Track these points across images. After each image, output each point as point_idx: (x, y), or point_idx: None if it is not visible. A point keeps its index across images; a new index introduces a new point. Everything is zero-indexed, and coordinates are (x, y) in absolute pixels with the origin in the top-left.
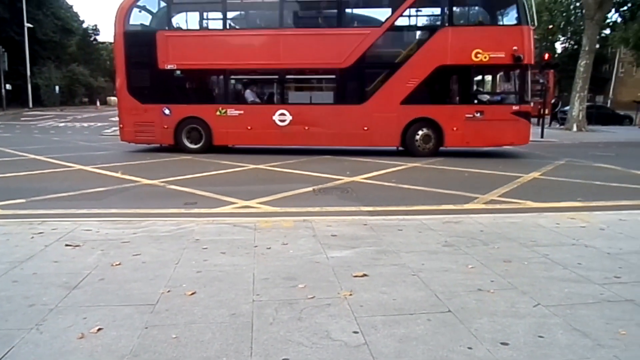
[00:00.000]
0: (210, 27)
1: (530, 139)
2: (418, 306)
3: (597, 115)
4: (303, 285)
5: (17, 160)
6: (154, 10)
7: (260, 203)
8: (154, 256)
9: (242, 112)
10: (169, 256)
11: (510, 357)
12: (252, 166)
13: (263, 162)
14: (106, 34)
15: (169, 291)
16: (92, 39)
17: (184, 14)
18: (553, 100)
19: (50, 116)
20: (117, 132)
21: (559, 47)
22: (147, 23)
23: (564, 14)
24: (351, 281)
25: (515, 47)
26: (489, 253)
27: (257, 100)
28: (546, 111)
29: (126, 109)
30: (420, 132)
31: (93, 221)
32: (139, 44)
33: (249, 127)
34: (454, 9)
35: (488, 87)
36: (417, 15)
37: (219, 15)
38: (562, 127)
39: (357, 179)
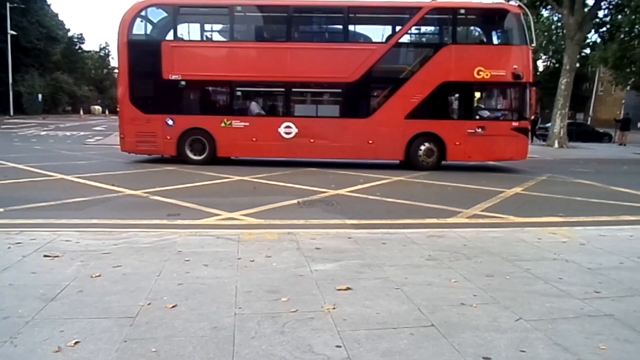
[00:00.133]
0: (216, 38)
1: None
2: (401, 320)
3: (578, 133)
4: (286, 298)
5: None
6: (159, 21)
7: (245, 215)
8: (135, 268)
9: (247, 124)
10: (150, 268)
11: None
12: (237, 178)
13: (248, 173)
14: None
15: (149, 304)
16: (77, 47)
17: (189, 24)
18: (533, 117)
19: (32, 124)
20: (100, 142)
21: (540, 65)
22: (151, 33)
23: (546, 34)
24: (334, 295)
25: (515, 66)
26: (471, 267)
27: (263, 112)
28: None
29: (128, 119)
30: (423, 147)
31: (73, 232)
32: (143, 54)
33: (254, 139)
34: (458, 28)
35: (489, 103)
36: (422, 33)
37: (226, 27)
38: (543, 143)
39: (342, 191)
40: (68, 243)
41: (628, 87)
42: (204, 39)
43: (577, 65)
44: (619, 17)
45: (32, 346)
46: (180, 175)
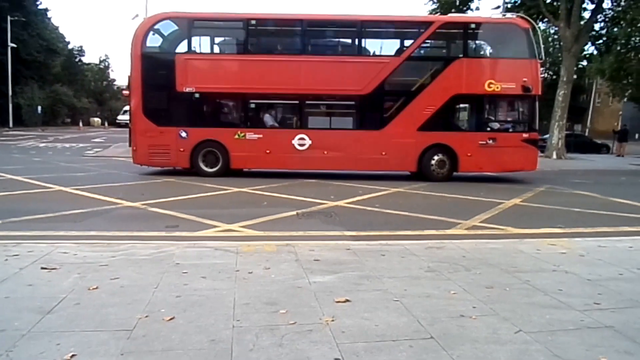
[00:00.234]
0: (230, 51)
1: None
2: (400, 332)
3: (576, 144)
4: (285, 310)
5: None
6: (173, 34)
7: (243, 227)
8: (133, 280)
9: (261, 136)
10: (148, 280)
11: None
12: (235, 189)
13: (247, 185)
14: (91, 55)
15: (146, 316)
16: (77, 59)
17: (203, 37)
18: None
19: (31, 136)
20: (99, 153)
21: None
22: (165, 46)
23: (543, 46)
24: (333, 307)
25: (525, 79)
26: (471, 279)
27: (277, 124)
28: None
29: (140, 131)
30: (435, 158)
31: (71, 244)
32: (157, 67)
33: (268, 151)
34: (469, 41)
35: (500, 115)
36: (433, 47)
37: (240, 40)
38: (541, 154)
39: (341, 203)
40: (65, 255)
41: (625, 99)
42: (218, 51)
43: (575, 77)
44: (615, 29)
45: (28, 359)
46: (179, 187)
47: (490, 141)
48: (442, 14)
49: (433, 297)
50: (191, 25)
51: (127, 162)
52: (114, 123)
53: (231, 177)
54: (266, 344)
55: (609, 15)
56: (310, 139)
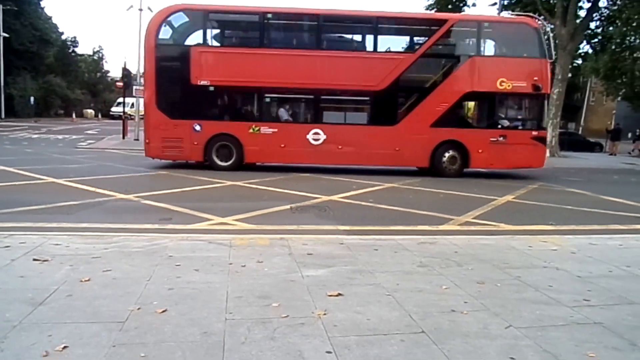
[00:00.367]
0: (246, 45)
1: None
2: (392, 326)
3: (569, 142)
4: (277, 304)
5: None
6: (187, 26)
7: (237, 220)
8: (125, 272)
9: (275, 130)
10: (140, 272)
11: None
12: (229, 183)
13: (242, 179)
14: (85, 46)
15: (139, 308)
16: (70, 50)
17: (219, 30)
18: None
19: (23, 127)
20: (92, 145)
21: None
22: (179, 38)
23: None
24: (326, 300)
25: (535, 78)
26: (462, 274)
27: (291, 118)
28: None
29: (154, 124)
30: (447, 154)
31: (63, 235)
32: (171, 59)
33: (282, 145)
34: (481, 40)
35: (510, 113)
36: (447, 44)
37: (256, 33)
38: None
39: (335, 197)
40: (58, 247)
41: (619, 98)
42: (233, 45)
43: (569, 75)
44: (610, 28)
45: (19, 351)
46: (173, 179)
47: (501, 138)
48: (438, 10)
49: (425, 291)
50: (206, 17)
51: (120, 154)
52: (107, 115)
53: (229, 171)
54: (258, 337)
55: (605, 14)
56: (324, 134)
